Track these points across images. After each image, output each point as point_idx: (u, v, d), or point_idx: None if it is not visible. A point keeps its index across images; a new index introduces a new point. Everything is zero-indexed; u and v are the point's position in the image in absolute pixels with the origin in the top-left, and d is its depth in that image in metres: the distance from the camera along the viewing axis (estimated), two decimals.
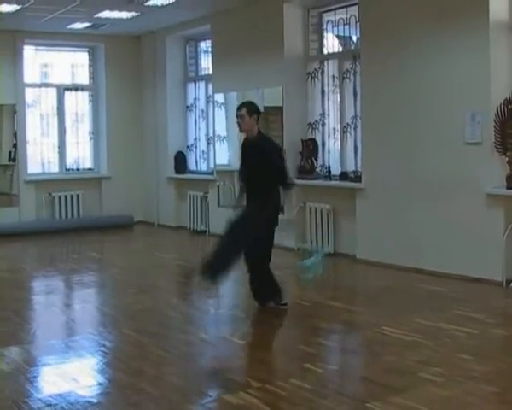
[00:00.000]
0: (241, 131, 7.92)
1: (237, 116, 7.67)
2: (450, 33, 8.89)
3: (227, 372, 5.91)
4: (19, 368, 6.04)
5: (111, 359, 6.33)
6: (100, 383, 5.71)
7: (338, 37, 11.57)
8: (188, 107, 14.69)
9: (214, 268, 7.16)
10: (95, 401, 5.36)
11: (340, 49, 11.41)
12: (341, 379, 5.73)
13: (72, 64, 15.58)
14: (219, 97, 13.35)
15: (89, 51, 15.32)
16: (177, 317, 7.67)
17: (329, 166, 11.15)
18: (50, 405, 5.14)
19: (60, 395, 5.44)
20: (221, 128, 13.54)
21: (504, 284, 8.43)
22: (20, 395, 5.38)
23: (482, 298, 8.14)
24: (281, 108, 11.62)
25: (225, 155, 13.61)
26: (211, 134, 13.80)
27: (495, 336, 6.73)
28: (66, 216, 14.48)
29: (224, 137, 13.52)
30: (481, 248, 8.71)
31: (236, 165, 13.08)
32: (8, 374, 5.93)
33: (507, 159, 8.49)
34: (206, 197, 13.49)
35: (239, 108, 7.69)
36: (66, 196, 14.47)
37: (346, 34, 11.29)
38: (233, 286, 9.78)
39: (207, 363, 6.07)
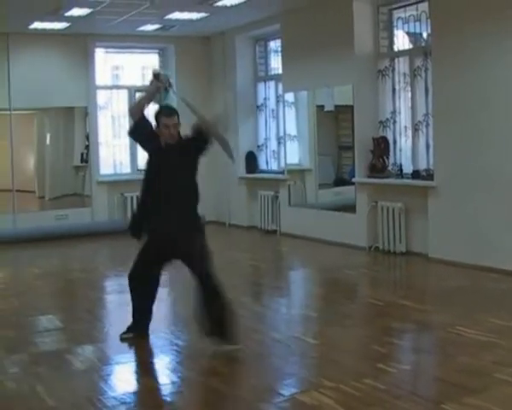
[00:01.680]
0: (172, 141, 6.55)
1: (169, 126, 6.50)
2: None
3: (300, 372, 5.89)
4: (92, 366, 6.12)
5: (183, 358, 6.36)
6: (173, 382, 5.72)
7: (408, 34, 11.43)
8: (258, 106, 14.70)
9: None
10: (168, 399, 5.39)
11: (411, 47, 11.27)
12: (415, 379, 5.65)
13: (142, 66, 15.73)
14: (289, 97, 13.33)
15: (159, 53, 15.46)
16: (249, 316, 7.65)
17: (401, 165, 11.01)
18: (124, 403, 5.20)
19: (133, 393, 5.50)
20: (291, 127, 13.53)
21: None
22: (94, 392, 5.44)
23: None
24: (351, 107, 11.53)
25: (296, 154, 13.59)
26: (281, 133, 13.79)
27: None
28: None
29: (295, 136, 13.51)
30: None
31: (307, 164, 13.16)
32: (83, 372, 6.00)
33: None
34: (277, 197, 13.47)
35: (170, 115, 6.56)
36: (137, 197, 14.56)
37: (417, 31, 11.15)
38: (304, 285, 9.79)
39: (280, 362, 6.03)
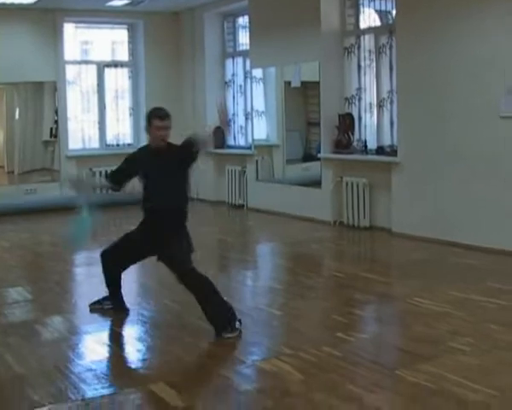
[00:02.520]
0: (161, 144, 6.49)
1: (160, 128, 6.47)
2: (486, 7, 8.92)
3: (262, 341, 6.07)
4: (61, 336, 6.29)
5: (149, 327, 6.53)
6: (139, 350, 5.92)
7: (375, 11, 11.60)
8: (226, 82, 14.81)
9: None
10: (133, 366, 5.56)
11: (377, 24, 11.43)
12: (372, 348, 5.83)
13: (112, 41, 15.79)
14: (257, 73, 13.46)
15: (128, 28, 15.51)
16: None
17: (366, 141, 11.23)
18: (91, 370, 5.36)
19: (100, 361, 5.67)
20: (259, 103, 13.67)
21: None
22: (62, 360, 5.61)
23: None
24: (318, 83, 11.70)
25: (264, 130, 13.74)
26: (249, 109, 13.92)
27: None
28: (107, 191, 14.64)
29: (263, 112, 13.65)
30: None
31: (275, 139, 13.32)
32: (51, 342, 6.16)
33: None
34: (245, 172, 13.62)
35: (163, 118, 6.52)
36: (106, 171, 14.53)
37: (383, 9, 11.32)
38: (270, 259, 9.97)
39: (244, 332, 6.18)
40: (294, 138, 13.08)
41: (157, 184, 6.49)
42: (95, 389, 4.98)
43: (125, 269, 6.93)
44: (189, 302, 6.31)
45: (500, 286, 7.37)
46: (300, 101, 13.06)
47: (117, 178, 6.84)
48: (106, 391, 4.94)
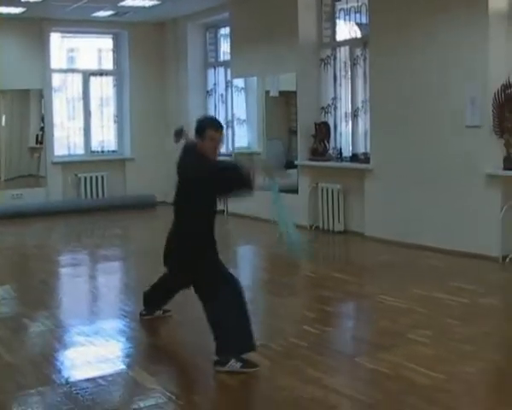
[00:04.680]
0: (214, 157, 5.91)
1: (215, 139, 5.86)
2: (453, 23, 9.34)
3: None
4: (47, 329, 6.70)
5: (129, 321, 6.94)
6: (119, 341, 6.41)
7: (356, 24, 12.02)
8: (208, 91, 15.25)
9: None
10: (112, 356, 6.00)
11: (351, 37, 11.88)
12: (336, 339, 6.33)
13: (97, 50, 16.18)
14: (239, 82, 13.89)
15: (113, 38, 15.90)
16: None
17: (341, 149, 11.70)
18: (75, 358, 5.89)
19: (84, 350, 6.11)
20: (241, 112, 14.11)
21: (500, 259, 8.92)
22: (49, 350, 6.08)
23: (478, 272, 8.65)
24: (295, 93, 12.15)
25: (245, 138, 14.18)
26: (230, 118, 14.34)
27: (484, 305, 7.22)
28: (92, 196, 15.08)
29: (244, 121, 14.08)
30: (480, 226, 9.19)
31: (256, 147, 13.73)
32: (38, 334, 6.62)
33: (504, 141, 8.98)
34: None
35: (219, 128, 5.93)
36: (91, 177, 15.07)
37: (358, 22, 11.77)
38: (248, 260, 10.41)
39: None
40: (277, 146, 13.45)
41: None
42: (78, 374, 5.44)
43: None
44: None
45: (461, 285, 7.80)
46: (282, 110, 13.46)
47: None
48: (88, 375, 5.37)
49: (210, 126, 5.86)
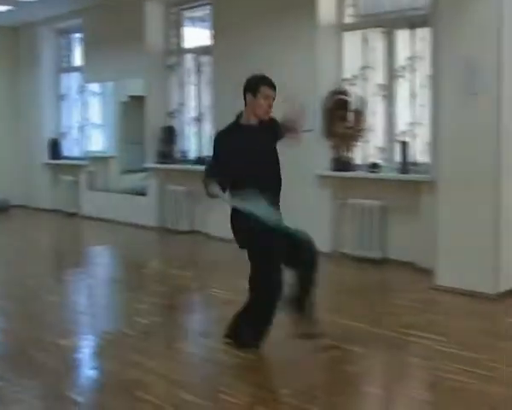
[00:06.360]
0: (265, 117, 5.67)
1: (269, 97, 5.58)
2: (285, 34, 9.95)
3: (64, 325, 6.90)
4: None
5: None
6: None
7: (196, 32, 12.50)
8: (61, 96, 15.45)
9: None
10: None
11: (197, 45, 12.32)
12: (161, 327, 6.76)
13: None
14: (95, 87, 14.20)
15: None
16: (47, 285, 8.62)
17: (186, 152, 12.16)
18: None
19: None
20: (96, 116, 14.42)
21: (331, 253, 9.55)
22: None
23: None
24: (143, 98, 12.57)
25: (100, 141, 14.54)
26: (83, 122, 14.56)
27: None
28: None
29: (99, 125, 14.38)
30: (313, 222, 9.76)
31: (112, 151, 14.06)
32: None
33: (332, 143, 9.61)
34: (77, 182, 14.32)
35: (273, 86, 5.61)
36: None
37: (203, 30, 12.23)
38: (96, 260, 10.72)
39: (50, 318, 7.01)
40: (136, 150, 13.73)
41: (259, 165, 5.57)
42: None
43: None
44: (15, 296, 7.07)
45: None
46: (138, 115, 13.78)
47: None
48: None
49: (264, 82, 5.55)
